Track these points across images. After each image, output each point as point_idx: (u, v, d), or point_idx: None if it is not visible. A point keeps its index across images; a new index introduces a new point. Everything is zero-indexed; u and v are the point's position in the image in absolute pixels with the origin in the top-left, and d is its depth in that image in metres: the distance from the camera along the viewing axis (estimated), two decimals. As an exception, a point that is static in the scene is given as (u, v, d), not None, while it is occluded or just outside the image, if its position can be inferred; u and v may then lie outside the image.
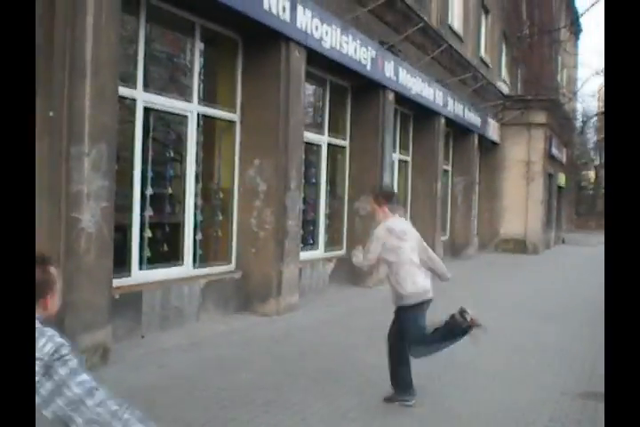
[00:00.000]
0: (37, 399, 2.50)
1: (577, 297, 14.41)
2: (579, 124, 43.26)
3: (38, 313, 2.60)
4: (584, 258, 27.03)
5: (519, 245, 26.81)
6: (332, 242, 14.42)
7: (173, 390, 6.43)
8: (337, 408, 6.09)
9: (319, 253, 13.79)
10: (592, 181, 78.68)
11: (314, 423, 5.68)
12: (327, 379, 7.01)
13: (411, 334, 6.28)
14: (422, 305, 6.28)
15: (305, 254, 12.49)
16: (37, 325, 2.56)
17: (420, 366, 7.39)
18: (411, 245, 6.33)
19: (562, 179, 36.19)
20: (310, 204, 13.62)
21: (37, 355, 2.48)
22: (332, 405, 6.19)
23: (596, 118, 58.93)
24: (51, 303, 2.67)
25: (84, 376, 2.61)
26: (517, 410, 6.28)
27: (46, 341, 2.53)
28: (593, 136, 74.02)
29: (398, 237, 6.25)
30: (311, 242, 13.64)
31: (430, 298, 6.32)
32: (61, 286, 2.75)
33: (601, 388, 7.06)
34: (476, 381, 7.24)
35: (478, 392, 6.81)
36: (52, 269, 2.67)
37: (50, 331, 2.57)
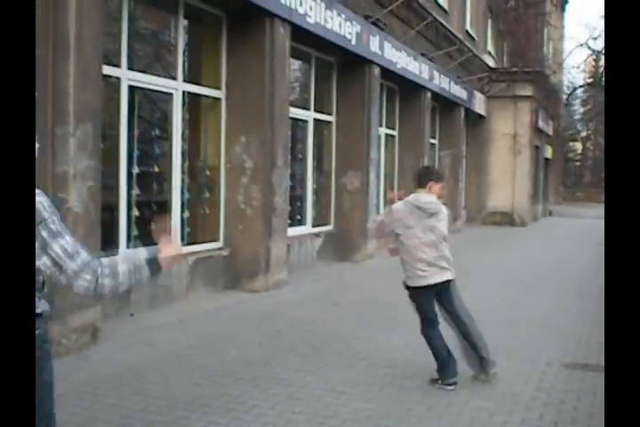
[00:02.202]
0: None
1: (564, 269, 14.54)
2: (565, 96, 43.24)
3: None
4: (571, 230, 27.22)
5: (506, 218, 26.97)
6: (320, 218, 14.47)
7: (163, 368, 6.49)
8: (326, 382, 6.16)
9: (307, 228, 13.84)
10: (579, 152, 78.94)
11: (303, 397, 5.75)
12: (316, 354, 7.08)
13: (422, 316, 6.32)
14: (426, 289, 6.23)
15: (293, 230, 12.54)
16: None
17: (410, 339, 7.50)
18: (423, 225, 6.24)
19: (548, 151, 36.31)
20: (297, 180, 13.65)
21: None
22: (320, 379, 6.26)
23: (581, 90, 58.90)
24: None
25: (67, 238, 2.82)
26: (504, 381, 6.36)
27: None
28: (579, 108, 74.16)
29: (409, 216, 6.20)
30: (299, 218, 13.68)
31: (439, 282, 6.23)
32: None
33: (587, 359, 7.20)
34: (463, 354, 7.31)
35: (466, 365, 6.89)
36: None
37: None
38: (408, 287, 6.29)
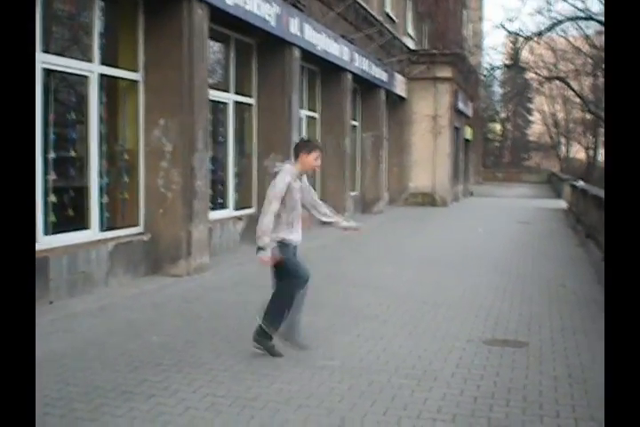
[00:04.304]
0: None
1: (484, 247, 14.81)
2: (484, 77, 43.82)
3: None
4: (492, 209, 27.74)
5: (428, 199, 27.33)
6: (242, 201, 14.43)
7: (83, 355, 6.41)
8: (248, 365, 6.17)
9: (229, 212, 13.79)
10: (498, 133, 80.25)
11: (225, 381, 5.75)
12: (238, 337, 7.07)
13: None
14: None
15: (215, 214, 12.49)
16: None
17: (334, 320, 7.57)
18: None
19: (468, 132, 36.87)
20: (219, 163, 13.56)
21: None
22: (243, 362, 6.27)
23: (500, 71, 59.75)
24: None
25: None
26: (426, 359, 6.48)
27: None
28: (499, 89, 75.25)
29: None
30: (220, 201, 13.62)
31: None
32: None
33: (506, 335, 7.37)
34: (386, 333, 7.41)
35: (387, 344, 6.99)
36: None
37: None
38: None
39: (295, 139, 14.83)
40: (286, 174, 6.40)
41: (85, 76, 9.66)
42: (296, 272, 6.51)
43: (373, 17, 21.42)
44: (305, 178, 6.70)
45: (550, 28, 32.94)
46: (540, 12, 36.92)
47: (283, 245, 6.45)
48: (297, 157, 6.56)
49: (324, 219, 6.89)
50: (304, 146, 6.62)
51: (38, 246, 8.52)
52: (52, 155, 9.01)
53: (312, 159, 6.53)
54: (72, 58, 9.43)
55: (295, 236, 6.55)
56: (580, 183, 25.18)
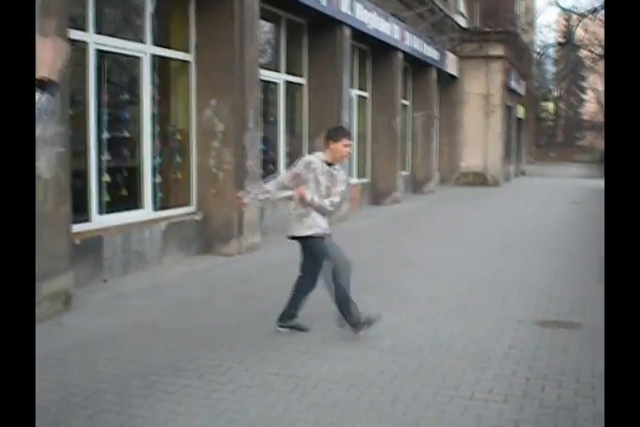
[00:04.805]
0: None
1: (535, 228, 14.65)
2: (537, 55, 43.20)
3: None
4: (543, 189, 27.42)
5: (479, 179, 27.11)
6: (293, 181, 14.42)
7: (137, 334, 6.50)
8: (299, 344, 6.20)
9: (280, 192, 13.78)
10: (551, 112, 79.07)
11: (277, 359, 5.79)
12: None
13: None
14: None
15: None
16: None
17: (381, 300, 7.57)
18: None
19: (521, 111, 36.38)
20: (270, 143, 13.58)
21: None
22: (294, 341, 6.30)
23: (553, 49, 58.82)
24: None
25: None
26: (477, 340, 6.45)
27: None
28: (551, 67, 74.09)
29: None
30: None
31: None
32: None
33: (559, 316, 7.30)
34: (436, 314, 7.39)
35: (438, 325, 6.97)
36: None
37: None
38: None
39: (346, 119, 14.82)
40: (310, 156, 6.52)
41: (138, 57, 9.73)
42: (324, 258, 6.42)
43: (424, -6, 21.19)
44: (337, 166, 6.55)
45: (604, 6, 32.30)
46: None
47: (315, 235, 6.40)
48: (327, 145, 6.46)
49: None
50: (331, 134, 6.50)
51: (92, 226, 8.67)
52: (105, 135, 9.10)
53: (341, 147, 6.41)
54: (124, 39, 9.49)
55: (321, 222, 6.45)
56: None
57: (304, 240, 6.44)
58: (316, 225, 6.36)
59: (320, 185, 6.40)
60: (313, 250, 6.43)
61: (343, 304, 6.40)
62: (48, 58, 2.86)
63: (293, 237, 6.50)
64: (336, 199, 6.51)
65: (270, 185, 6.77)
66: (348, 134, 6.58)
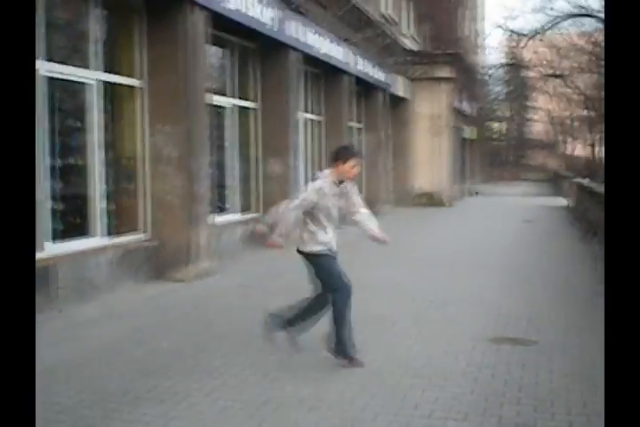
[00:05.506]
0: None
1: (489, 247, 14.78)
2: (485, 76, 43.80)
3: None
4: (495, 208, 27.75)
5: (432, 199, 27.31)
6: (246, 205, 14.43)
7: (93, 363, 6.41)
8: (258, 370, 6.16)
9: (233, 216, 13.79)
10: (501, 132, 79.98)
11: (235, 385, 5.75)
12: (247, 341, 7.06)
13: None
14: None
15: (218, 219, 12.48)
16: None
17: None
18: None
19: (470, 132, 36.82)
20: (221, 167, 13.56)
21: None
22: (253, 366, 6.26)
23: (501, 70, 59.67)
24: None
25: None
26: (435, 359, 6.47)
27: None
28: (500, 88, 75.09)
29: None
30: (224, 206, 13.61)
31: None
32: None
33: (515, 333, 7.35)
34: (395, 333, 7.42)
35: (397, 344, 6.99)
36: None
37: None
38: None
39: (297, 142, 14.88)
40: (319, 182, 6.35)
41: (86, 84, 9.67)
42: (332, 284, 6.36)
43: (374, 19, 21.39)
44: (348, 183, 6.49)
45: (550, 27, 32.94)
46: (539, 11, 36.76)
47: (321, 252, 6.35)
48: (334, 166, 6.36)
49: (356, 218, 6.78)
50: (340, 154, 6.38)
51: (45, 254, 8.54)
52: (56, 163, 9.01)
53: (349, 168, 6.33)
54: (73, 65, 9.43)
55: (330, 240, 6.43)
56: (583, 181, 25.15)
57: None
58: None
59: (332, 209, 6.37)
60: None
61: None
62: None
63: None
64: (363, 210, 6.74)
65: (292, 217, 6.37)
66: (356, 154, 6.49)
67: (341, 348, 6.30)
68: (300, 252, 6.44)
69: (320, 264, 6.36)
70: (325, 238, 6.35)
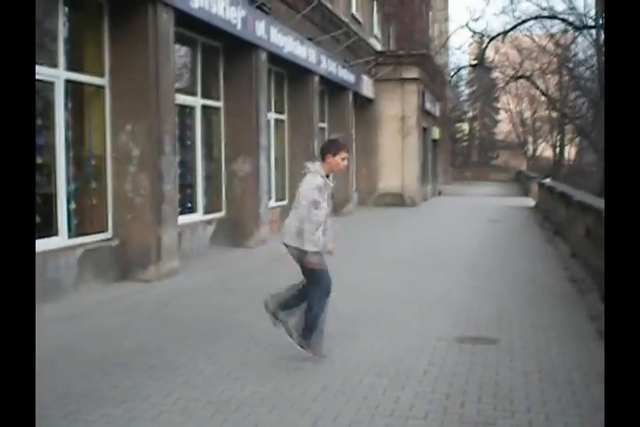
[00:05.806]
0: None
1: (454, 247, 14.89)
2: (450, 77, 44.10)
3: None
4: (460, 208, 27.92)
5: (397, 199, 27.43)
6: (211, 204, 14.40)
7: (55, 362, 6.38)
8: (220, 368, 6.19)
9: (198, 216, 13.77)
10: (466, 133, 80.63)
11: (198, 384, 5.76)
12: (210, 341, 7.09)
13: None
14: None
15: (184, 218, 12.46)
16: None
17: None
18: None
19: (436, 132, 37.02)
20: (187, 167, 13.53)
21: None
22: (215, 365, 6.28)
23: (467, 71, 60.14)
24: None
25: None
26: (397, 358, 6.53)
27: None
28: (465, 89, 75.71)
29: None
30: (189, 205, 13.58)
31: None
32: None
33: (477, 332, 7.43)
34: (358, 332, 7.46)
35: (360, 343, 7.04)
36: None
37: None
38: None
39: (263, 142, 14.88)
40: (315, 177, 6.34)
41: (51, 82, 9.60)
42: (320, 282, 6.47)
43: (339, 19, 21.46)
44: (331, 177, 6.54)
45: (514, 28, 33.27)
46: (504, 12, 37.21)
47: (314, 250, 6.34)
48: (323, 158, 6.43)
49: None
50: (330, 147, 6.47)
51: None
52: (18, 161, 8.93)
53: (339, 161, 6.41)
54: (37, 64, 9.36)
55: (322, 238, 6.42)
56: (548, 181, 25.42)
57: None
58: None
59: (324, 203, 6.37)
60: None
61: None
62: None
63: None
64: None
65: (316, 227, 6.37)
66: (345, 147, 6.55)
67: (308, 334, 6.38)
68: (287, 245, 6.47)
69: (311, 261, 6.38)
70: (320, 236, 6.36)
